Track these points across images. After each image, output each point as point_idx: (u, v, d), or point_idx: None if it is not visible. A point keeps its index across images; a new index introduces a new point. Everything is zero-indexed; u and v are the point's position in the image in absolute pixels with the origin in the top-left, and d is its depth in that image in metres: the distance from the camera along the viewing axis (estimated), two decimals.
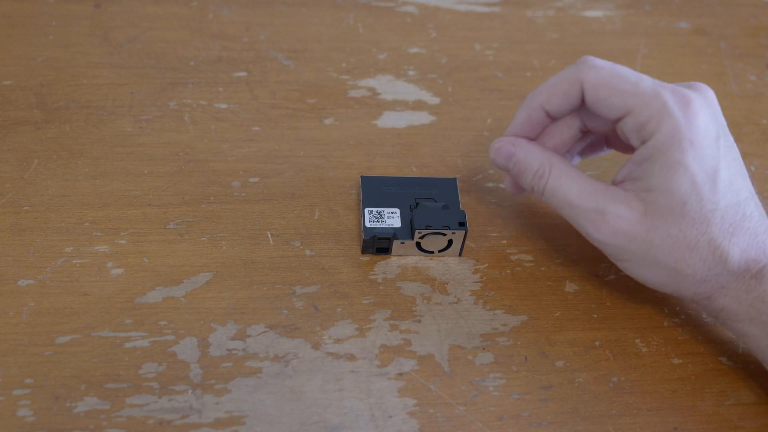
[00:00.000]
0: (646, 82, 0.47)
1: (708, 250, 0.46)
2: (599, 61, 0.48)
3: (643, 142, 0.47)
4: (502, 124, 0.62)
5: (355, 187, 0.57)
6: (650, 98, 0.46)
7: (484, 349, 0.50)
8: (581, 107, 0.49)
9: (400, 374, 0.48)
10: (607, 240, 0.47)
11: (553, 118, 0.50)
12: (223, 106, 0.61)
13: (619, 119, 0.47)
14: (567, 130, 0.51)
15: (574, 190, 0.48)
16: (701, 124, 0.46)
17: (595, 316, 0.52)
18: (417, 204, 0.54)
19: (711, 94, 0.48)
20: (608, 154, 0.55)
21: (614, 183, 0.49)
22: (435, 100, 0.63)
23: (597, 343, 0.51)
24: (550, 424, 0.47)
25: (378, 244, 0.53)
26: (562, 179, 0.49)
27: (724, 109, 0.66)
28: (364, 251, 0.53)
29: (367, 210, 0.53)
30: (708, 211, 0.46)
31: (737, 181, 0.47)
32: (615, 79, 0.47)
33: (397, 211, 0.54)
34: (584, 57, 0.48)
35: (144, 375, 0.47)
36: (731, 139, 0.48)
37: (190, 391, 0.46)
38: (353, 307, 0.51)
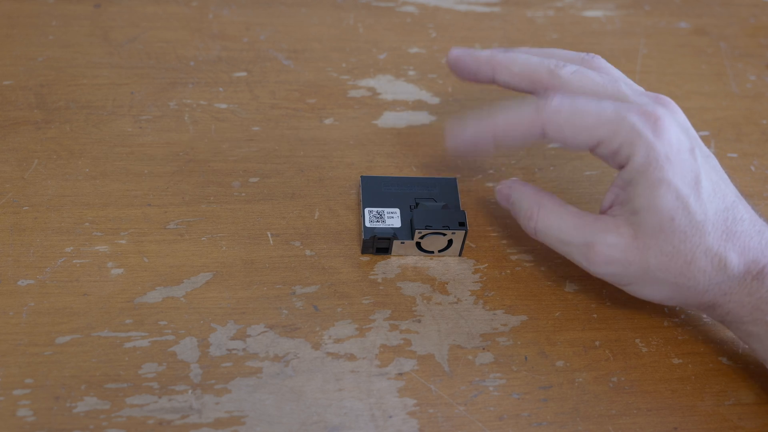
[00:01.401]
0: (608, 109, 0.47)
1: (706, 260, 0.46)
2: (557, 101, 0.48)
3: (621, 167, 0.47)
4: None
5: (355, 187, 0.57)
6: (617, 125, 0.46)
7: (484, 349, 0.50)
8: None
9: (400, 374, 0.48)
10: (601, 270, 0.48)
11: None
12: (223, 106, 0.61)
13: (591, 148, 0.48)
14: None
15: (562, 227, 0.49)
16: (673, 139, 0.46)
17: (595, 316, 0.52)
18: (417, 204, 0.54)
19: (676, 107, 0.49)
20: None
21: (602, 210, 0.49)
22: (435, 100, 0.63)
23: (597, 343, 0.51)
24: (550, 424, 0.47)
25: (378, 244, 0.53)
26: (550, 218, 0.49)
27: (724, 109, 0.67)
28: (364, 251, 0.53)
29: (367, 210, 0.53)
30: (698, 222, 0.45)
31: (721, 188, 0.47)
32: (577, 118, 0.47)
33: (397, 211, 0.54)
34: (545, 99, 0.48)
35: (144, 375, 0.47)
36: (706, 148, 0.48)
37: (190, 391, 0.46)
38: (353, 307, 0.51)
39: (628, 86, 0.50)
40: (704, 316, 0.53)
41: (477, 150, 0.51)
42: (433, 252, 0.54)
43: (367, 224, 0.53)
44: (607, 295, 0.53)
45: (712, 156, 0.48)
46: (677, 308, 0.53)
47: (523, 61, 0.51)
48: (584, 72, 0.50)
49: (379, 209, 0.54)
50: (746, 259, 0.46)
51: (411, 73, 0.65)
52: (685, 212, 0.45)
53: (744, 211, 0.47)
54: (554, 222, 0.49)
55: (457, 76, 0.54)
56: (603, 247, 0.47)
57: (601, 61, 0.52)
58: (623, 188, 0.47)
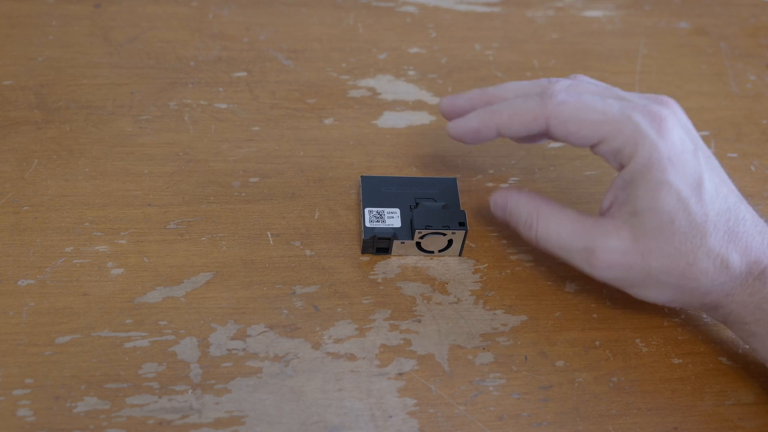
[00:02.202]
0: (614, 107, 0.47)
1: (708, 261, 0.46)
2: (563, 96, 0.48)
3: (622, 166, 0.47)
4: None
5: (355, 187, 0.57)
6: (621, 124, 0.46)
7: (484, 349, 0.50)
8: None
9: (400, 374, 0.48)
10: (604, 275, 0.48)
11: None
12: (223, 106, 0.61)
13: (593, 146, 0.47)
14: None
15: (563, 233, 0.48)
16: (677, 140, 0.46)
17: (595, 316, 0.52)
18: (417, 204, 0.54)
19: (679, 108, 0.49)
20: None
21: (602, 210, 0.49)
22: (435, 100, 0.63)
23: (597, 343, 0.51)
24: (550, 424, 0.47)
25: (378, 244, 0.53)
26: (549, 225, 0.49)
27: (724, 109, 0.67)
28: (364, 251, 0.53)
29: (367, 210, 0.53)
30: (699, 224, 0.45)
31: (723, 189, 0.47)
32: (582, 112, 0.47)
33: (397, 211, 0.54)
34: (549, 91, 0.48)
35: (144, 375, 0.47)
36: (707, 149, 0.48)
37: (190, 391, 0.46)
38: (353, 307, 0.51)
39: (625, 92, 0.50)
40: (704, 315, 0.52)
41: (479, 139, 0.50)
42: (433, 252, 0.54)
43: (367, 224, 0.53)
44: (607, 295, 0.53)
45: (713, 157, 0.48)
46: (678, 308, 0.53)
47: (515, 86, 0.51)
48: (579, 81, 0.50)
49: (379, 209, 0.54)
50: (748, 260, 0.46)
51: (411, 73, 0.65)
52: (685, 214, 0.45)
53: (746, 212, 0.47)
54: (554, 228, 0.49)
55: (465, 143, 0.53)
56: (604, 251, 0.47)
57: (587, 78, 0.52)
58: (623, 189, 0.47)
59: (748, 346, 0.50)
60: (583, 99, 0.47)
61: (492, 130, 0.49)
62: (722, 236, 0.46)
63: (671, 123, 0.46)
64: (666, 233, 0.46)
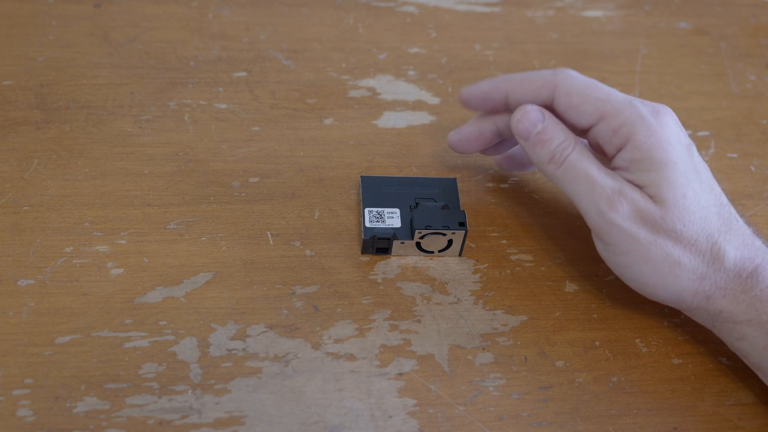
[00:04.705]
0: (619, 93, 0.49)
1: (706, 245, 0.47)
2: (575, 73, 0.50)
3: (617, 149, 0.48)
4: None
5: (355, 187, 0.57)
6: (623, 105, 0.48)
7: (484, 349, 0.50)
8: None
9: (400, 374, 0.48)
10: (621, 222, 0.47)
11: (508, 110, 0.51)
12: (223, 106, 0.61)
13: (590, 127, 0.48)
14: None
15: (595, 166, 0.48)
16: (673, 132, 0.48)
17: (595, 316, 0.52)
18: (417, 204, 0.54)
19: (675, 115, 0.50)
20: None
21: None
22: (435, 100, 0.63)
23: (597, 343, 0.51)
24: (550, 424, 0.47)
25: (378, 244, 0.53)
26: (584, 153, 0.49)
27: (724, 109, 0.67)
28: (364, 251, 0.53)
29: (367, 210, 0.53)
30: (704, 207, 0.47)
31: (715, 188, 0.48)
32: (588, 89, 0.49)
33: (397, 211, 0.54)
34: (562, 68, 0.50)
35: (144, 375, 0.47)
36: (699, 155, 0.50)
37: (190, 391, 0.46)
38: (353, 307, 0.51)
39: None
40: None
41: (484, 105, 0.51)
42: (433, 252, 0.54)
43: (367, 224, 0.53)
44: (607, 295, 0.53)
45: (705, 163, 0.49)
46: (672, 306, 0.53)
47: (526, 74, 0.52)
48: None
49: (379, 209, 0.54)
50: (742, 255, 0.47)
51: (411, 73, 0.65)
52: (693, 194, 0.47)
53: (737, 214, 0.48)
54: (588, 158, 0.49)
55: (473, 109, 0.54)
56: (631, 198, 0.47)
57: None
58: (627, 169, 0.48)
59: (737, 352, 0.49)
60: (591, 80, 0.49)
61: (501, 93, 0.50)
62: (721, 226, 0.47)
63: (669, 118, 0.48)
64: (679, 208, 0.46)
